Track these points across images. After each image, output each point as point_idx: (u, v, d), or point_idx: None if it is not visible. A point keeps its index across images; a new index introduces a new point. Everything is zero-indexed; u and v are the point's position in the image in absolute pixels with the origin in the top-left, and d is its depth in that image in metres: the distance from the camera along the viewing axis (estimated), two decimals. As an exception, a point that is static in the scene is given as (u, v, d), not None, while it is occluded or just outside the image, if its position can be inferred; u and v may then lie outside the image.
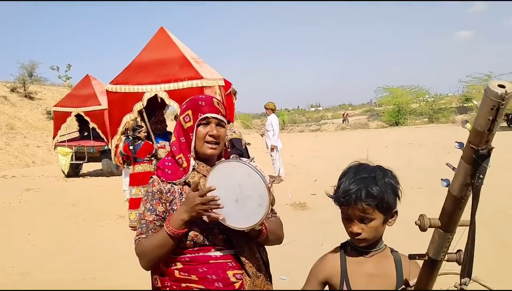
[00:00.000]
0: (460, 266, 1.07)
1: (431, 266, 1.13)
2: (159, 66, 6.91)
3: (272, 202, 1.52)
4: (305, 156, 15.27)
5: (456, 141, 0.99)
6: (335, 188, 1.47)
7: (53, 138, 14.09)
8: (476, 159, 0.92)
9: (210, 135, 1.73)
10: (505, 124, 22.41)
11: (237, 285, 1.68)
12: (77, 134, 15.29)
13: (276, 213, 1.89)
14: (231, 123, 7.74)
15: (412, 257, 1.12)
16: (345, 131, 31.50)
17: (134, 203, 6.72)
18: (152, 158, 6.93)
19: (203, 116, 1.72)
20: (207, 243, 1.67)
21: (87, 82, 14.31)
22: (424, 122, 32.00)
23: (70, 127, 14.84)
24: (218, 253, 1.68)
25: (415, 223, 1.03)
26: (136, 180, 6.87)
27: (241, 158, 1.61)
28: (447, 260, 1.10)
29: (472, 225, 0.99)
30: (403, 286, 1.24)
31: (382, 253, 1.47)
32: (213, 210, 1.58)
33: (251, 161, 1.55)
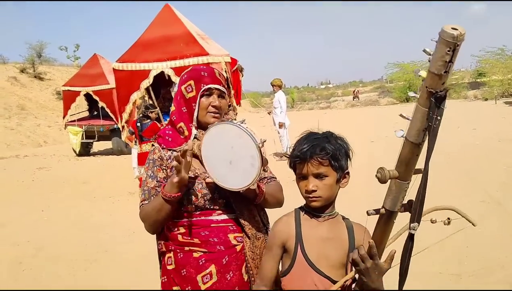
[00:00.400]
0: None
1: (388, 218, 1.18)
2: (164, 43, 6.91)
3: (264, 162, 1.55)
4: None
5: (409, 91, 1.02)
6: (291, 151, 1.53)
7: (63, 118, 14.26)
8: (434, 101, 0.96)
9: (212, 106, 1.77)
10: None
11: (238, 248, 1.75)
12: (86, 113, 15.45)
13: (275, 178, 1.94)
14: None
15: (370, 213, 1.17)
16: (355, 109, 31.30)
17: (144, 183, 6.83)
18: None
19: (206, 87, 1.76)
20: (208, 207, 1.73)
21: (95, 62, 14.36)
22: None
23: (80, 107, 14.97)
24: (219, 217, 1.75)
25: (376, 176, 1.07)
26: (145, 160, 6.93)
27: (232, 120, 1.65)
28: (402, 211, 1.14)
29: (426, 168, 1.02)
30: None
31: (334, 219, 1.53)
32: (206, 172, 1.62)
33: (242, 122, 1.59)
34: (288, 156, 1.55)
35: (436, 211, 1.29)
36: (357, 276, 1.38)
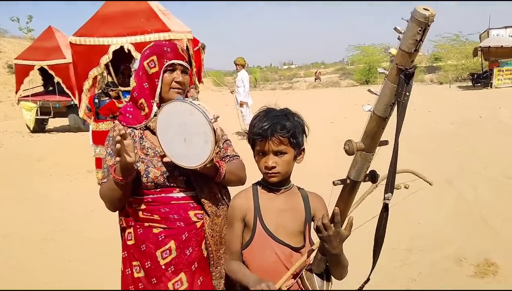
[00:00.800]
0: (373, 184, 1.20)
1: (351, 188, 1.25)
2: (124, 18, 6.67)
3: (217, 138, 1.56)
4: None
5: (379, 67, 1.08)
6: (250, 128, 1.57)
7: (16, 93, 13.58)
8: (403, 78, 1.02)
9: (176, 82, 1.76)
10: (470, 83, 23.01)
11: (198, 224, 1.77)
12: (41, 88, 14.78)
13: (239, 156, 1.96)
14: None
15: (336, 183, 1.23)
16: (317, 90, 31.63)
17: (101, 163, 6.62)
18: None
19: (169, 62, 1.74)
20: (168, 185, 1.74)
21: (50, 34, 13.68)
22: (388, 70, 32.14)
23: (34, 81, 14.30)
24: (180, 194, 1.76)
25: (344, 148, 1.13)
26: (101, 139, 6.73)
27: (184, 98, 1.64)
28: (364, 180, 1.21)
29: (396, 141, 1.09)
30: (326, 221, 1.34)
31: (290, 190, 1.62)
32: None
33: (194, 99, 1.60)
34: (248, 132, 1.58)
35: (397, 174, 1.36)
36: (317, 240, 1.46)
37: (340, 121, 12.04)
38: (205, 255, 1.79)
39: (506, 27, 20.82)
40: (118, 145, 1.51)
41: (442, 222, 4.58)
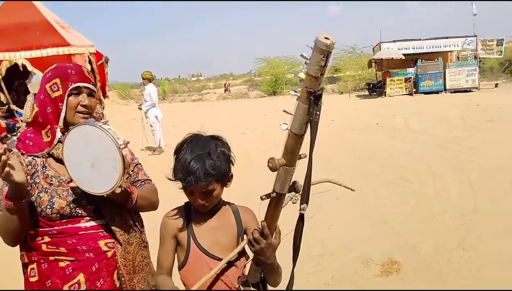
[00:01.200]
0: (299, 193, 1.28)
1: (277, 200, 1.33)
2: (17, 31, 6.18)
3: (126, 164, 1.51)
4: (187, 126, 15.20)
5: (291, 90, 1.17)
6: (174, 164, 1.54)
7: None
8: (313, 99, 1.11)
9: (82, 106, 1.69)
10: (367, 92, 24.89)
11: (109, 254, 1.69)
12: None
13: (150, 180, 1.92)
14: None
15: (263, 198, 1.30)
16: (227, 101, 31.97)
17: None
18: (9, 136, 6.21)
19: (74, 85, 1.67)
20: (75, 215, 1.64)
21: None
22: (299, 92, 33.69)
23: None
24: (89, 224, 1.66)
25: (268, 165, 1.19)
26: None
27: (94, 121, 1.59)
28: (288, 192, 1.29)
29: (310, 156, 1.18)
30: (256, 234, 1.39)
31: (221, 207, 1.64)
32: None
33: (104, 123, 1.54)
34: (173, 177, 1.54)
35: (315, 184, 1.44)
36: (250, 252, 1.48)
37: (250, 132, 12.30)
38: (118, 285, 1.71)
39: (394, 41, 22.87)
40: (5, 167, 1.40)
41: (349, 225, 4.86)
